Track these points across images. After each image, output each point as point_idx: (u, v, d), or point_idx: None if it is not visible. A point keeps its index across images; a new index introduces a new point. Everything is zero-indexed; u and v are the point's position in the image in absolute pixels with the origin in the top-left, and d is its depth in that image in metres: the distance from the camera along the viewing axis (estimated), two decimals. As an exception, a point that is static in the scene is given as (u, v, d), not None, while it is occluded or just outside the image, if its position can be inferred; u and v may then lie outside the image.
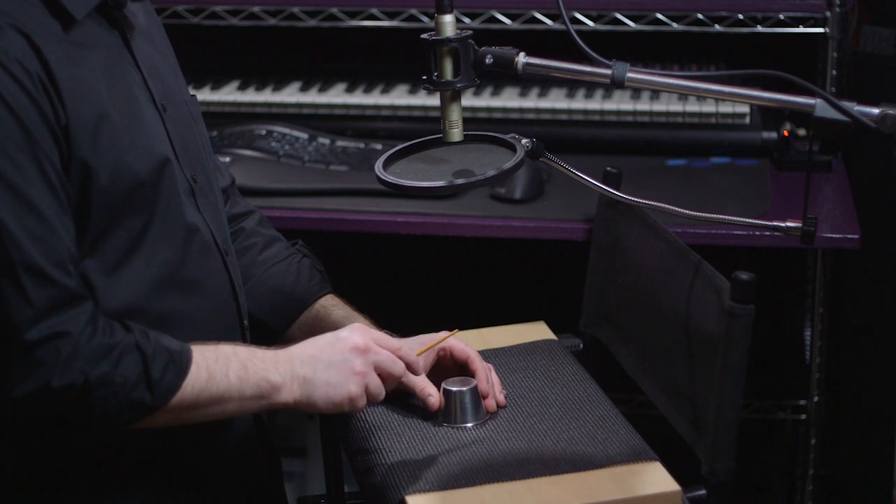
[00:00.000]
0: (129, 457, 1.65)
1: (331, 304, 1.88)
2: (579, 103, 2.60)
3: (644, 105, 2.57)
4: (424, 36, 1.60)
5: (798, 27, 2.49)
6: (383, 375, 1.65)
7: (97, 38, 1.60)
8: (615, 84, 1.57)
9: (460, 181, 1.57)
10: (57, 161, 1.51)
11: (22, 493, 1.64)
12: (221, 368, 1.59)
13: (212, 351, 1.60)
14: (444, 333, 1.79)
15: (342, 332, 1.66)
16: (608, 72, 1.57)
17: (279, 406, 1.63)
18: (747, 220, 1.74)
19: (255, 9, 2.64)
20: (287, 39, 2.80)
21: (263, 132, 2.55)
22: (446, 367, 1.81)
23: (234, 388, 1.59)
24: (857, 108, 1.49)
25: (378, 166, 1.62)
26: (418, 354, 1.73)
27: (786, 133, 2.49)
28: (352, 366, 1.63)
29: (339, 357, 1.63)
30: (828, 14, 2.45)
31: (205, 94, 2.69)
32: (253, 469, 1.83)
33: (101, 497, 1.65)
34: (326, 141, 2.56)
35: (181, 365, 1.56)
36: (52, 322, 1.49)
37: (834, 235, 2.16)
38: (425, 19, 2.56)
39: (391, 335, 1.72)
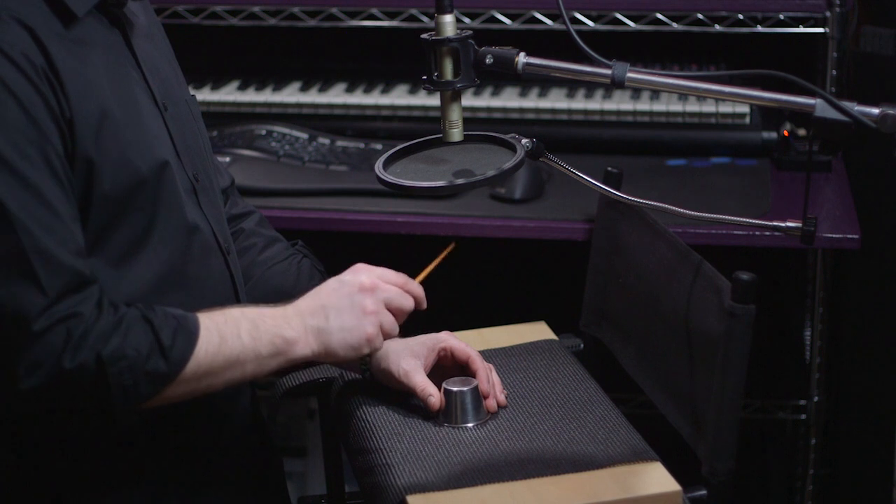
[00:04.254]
0: (128, 457, 1.65)
1: (331, 303, 1.88)
2: (579, 103, 2.60)
3: (644, 105, 2.57)
4: (424, 36, 1.60)
5: (798, 27, 2.49)
6: (394, 311, 1.65)
7: (98, 36, 1.60)
8: (615, 84, 1.57)
9: (460, 181, 1.57)
10: (62, 154, 1.50)
11: (22, 492, 1.64)
12: (232, 330, 1.57)
13: (220, 314, 1.59)
14: (444, 253, 1.78)
15: (345, 276, 1.65)
16: (608, 72, 1.57)
17: (298, 360, 1.61)
18: (747, 220, 1.74)
19: (255, 9, 2.64)
20: (287, 39, 2.80)
21: (263, 132, 2.55)
22: (447, 367, 1.81)
23: (248, 349, 1.58)
24: (857, 108, 1.49)
25: (378, 166, 1.62)
26: (420, 280, 1.72)
27: (786, 133, 2.49)
28: (363, 306, 1.62)
29: (348, 300, 1.62)
30: (828, 14, 2.45)
31: (205, 94, 2.69)
32: (254, 469, 1.83)
33: (101, 497, 1.65)
34: (326, 141, 2.56)
35: (190, 329, 1.54)
36: (63, 305, 1.48)
37: (834, 235, 2.16)
38: (425, 19, 2.56)
39: None
